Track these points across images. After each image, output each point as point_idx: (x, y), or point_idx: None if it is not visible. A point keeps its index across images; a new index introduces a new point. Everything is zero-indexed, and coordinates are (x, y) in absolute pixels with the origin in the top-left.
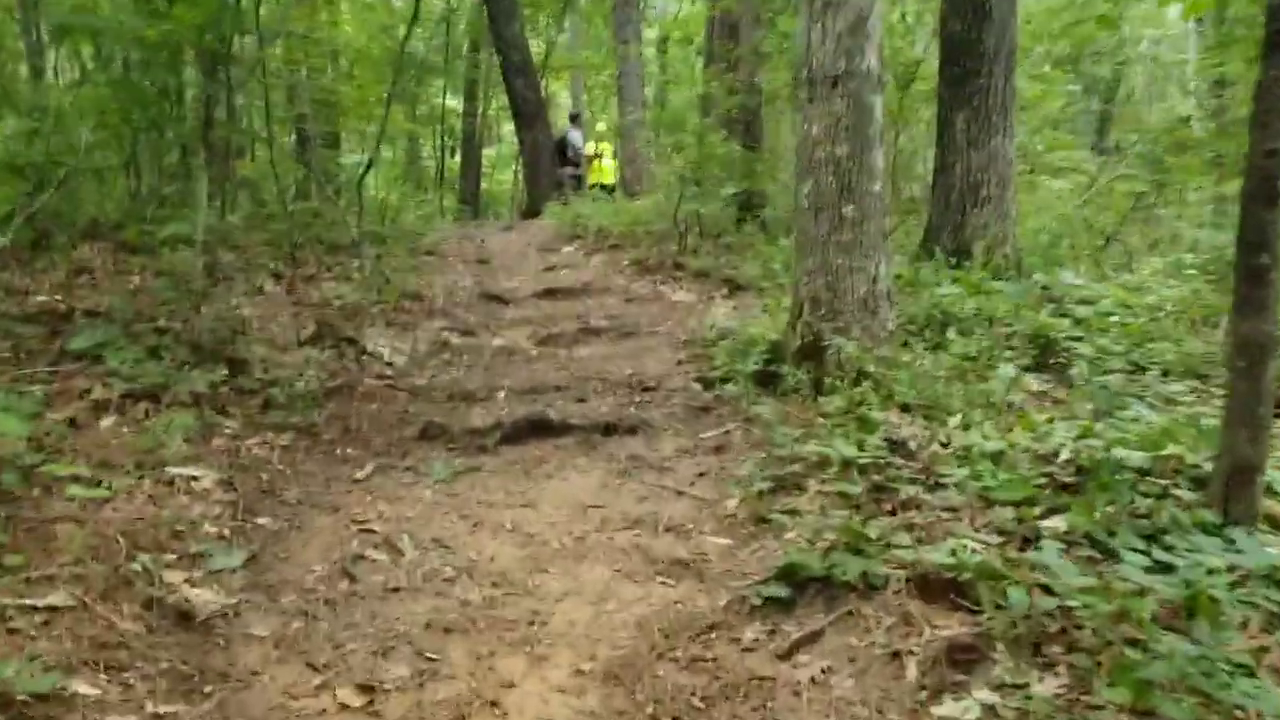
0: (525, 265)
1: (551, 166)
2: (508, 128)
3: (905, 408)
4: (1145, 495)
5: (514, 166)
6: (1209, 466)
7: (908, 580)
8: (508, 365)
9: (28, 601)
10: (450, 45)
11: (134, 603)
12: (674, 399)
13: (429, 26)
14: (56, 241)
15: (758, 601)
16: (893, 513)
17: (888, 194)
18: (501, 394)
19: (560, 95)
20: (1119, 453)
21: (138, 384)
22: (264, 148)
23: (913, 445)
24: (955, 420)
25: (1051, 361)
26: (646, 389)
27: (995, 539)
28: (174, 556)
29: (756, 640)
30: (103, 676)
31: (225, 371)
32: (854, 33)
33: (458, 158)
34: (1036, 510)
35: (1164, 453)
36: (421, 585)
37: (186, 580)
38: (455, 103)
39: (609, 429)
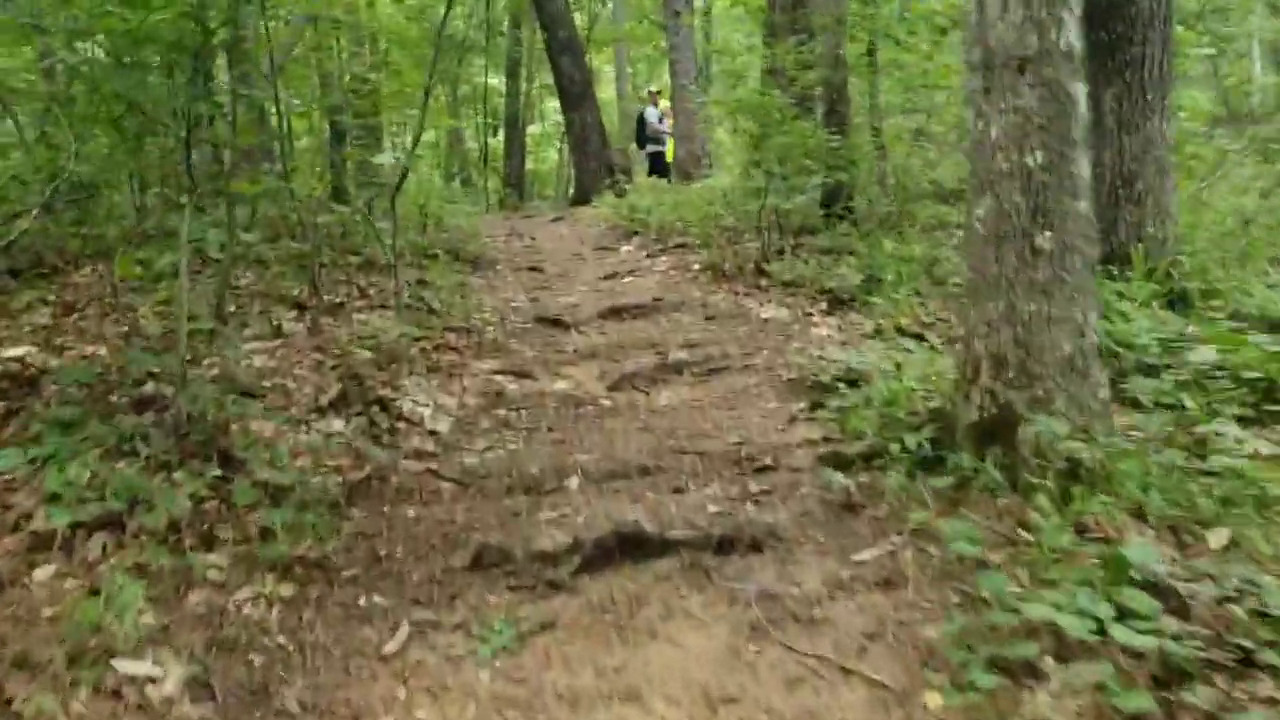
0: (582, 272)
1: (602, 149)
2: (551, 104)
3: (1140, 515)
4: None
5: (557, 145)
6: None
7: None
8: (576, 426)
9: None
10: (490, 22)
11: None
12: (802, 487)
13: (468, 3)
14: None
15: None
16: None
17: (1093, 214)
18: (574, 481)
19: (605, 70)
20: None
21: (93, 508)
22: (290, 149)
23: (1187, 595)
24: (1218, 537)
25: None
26: (761, 468)
27: None
28: None
29: None
30: None
31: (217, 472)
32: None
33: (499, 136)
34: None
35: None
36: None
37: None
38: (496, 81)
39: (723, 545)
